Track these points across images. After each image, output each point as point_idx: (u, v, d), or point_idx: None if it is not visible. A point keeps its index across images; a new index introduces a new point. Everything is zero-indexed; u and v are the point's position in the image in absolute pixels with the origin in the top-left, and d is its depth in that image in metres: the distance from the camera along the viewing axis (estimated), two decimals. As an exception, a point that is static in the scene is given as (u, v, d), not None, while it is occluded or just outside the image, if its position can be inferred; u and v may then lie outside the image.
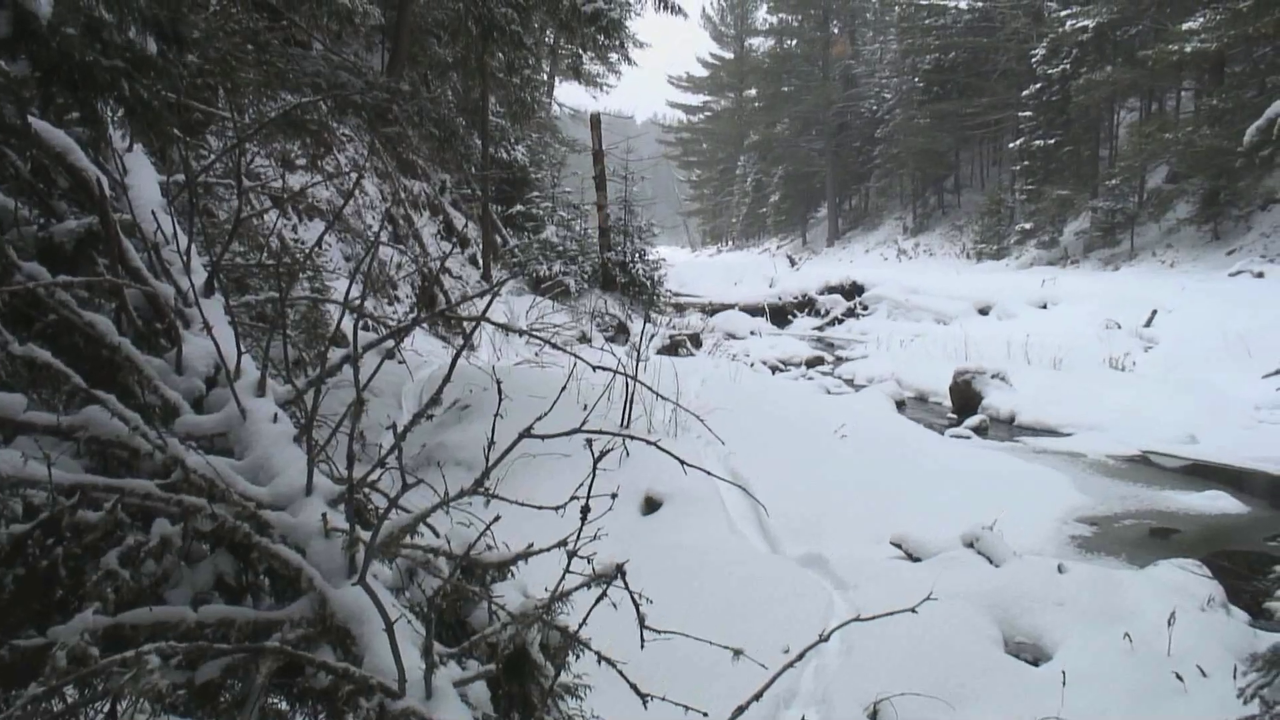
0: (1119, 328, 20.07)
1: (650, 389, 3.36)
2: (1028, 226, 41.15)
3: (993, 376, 14.51)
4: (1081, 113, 40.36)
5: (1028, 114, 42.64)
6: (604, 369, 3.09)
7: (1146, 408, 12.90)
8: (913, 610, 2.73)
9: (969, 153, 57.70)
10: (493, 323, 2.76)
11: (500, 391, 2.37)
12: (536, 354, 13.03)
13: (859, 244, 61.03)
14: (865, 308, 28.85)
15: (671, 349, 18.65)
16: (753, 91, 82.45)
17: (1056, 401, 13.57)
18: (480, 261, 19.90)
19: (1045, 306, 24.69)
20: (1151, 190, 35.65)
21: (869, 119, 63.12)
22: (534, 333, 3.38)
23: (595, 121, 25.06)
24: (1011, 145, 45.23)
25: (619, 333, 20.33)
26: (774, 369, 19.11)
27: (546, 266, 22.19)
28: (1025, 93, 42.99)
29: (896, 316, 27.07)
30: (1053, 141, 41.25)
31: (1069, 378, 15.01)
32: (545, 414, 2.45)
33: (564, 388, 2.69)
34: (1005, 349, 17.79)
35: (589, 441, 2.34)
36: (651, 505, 7.21)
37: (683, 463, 2.70)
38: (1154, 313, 20.41)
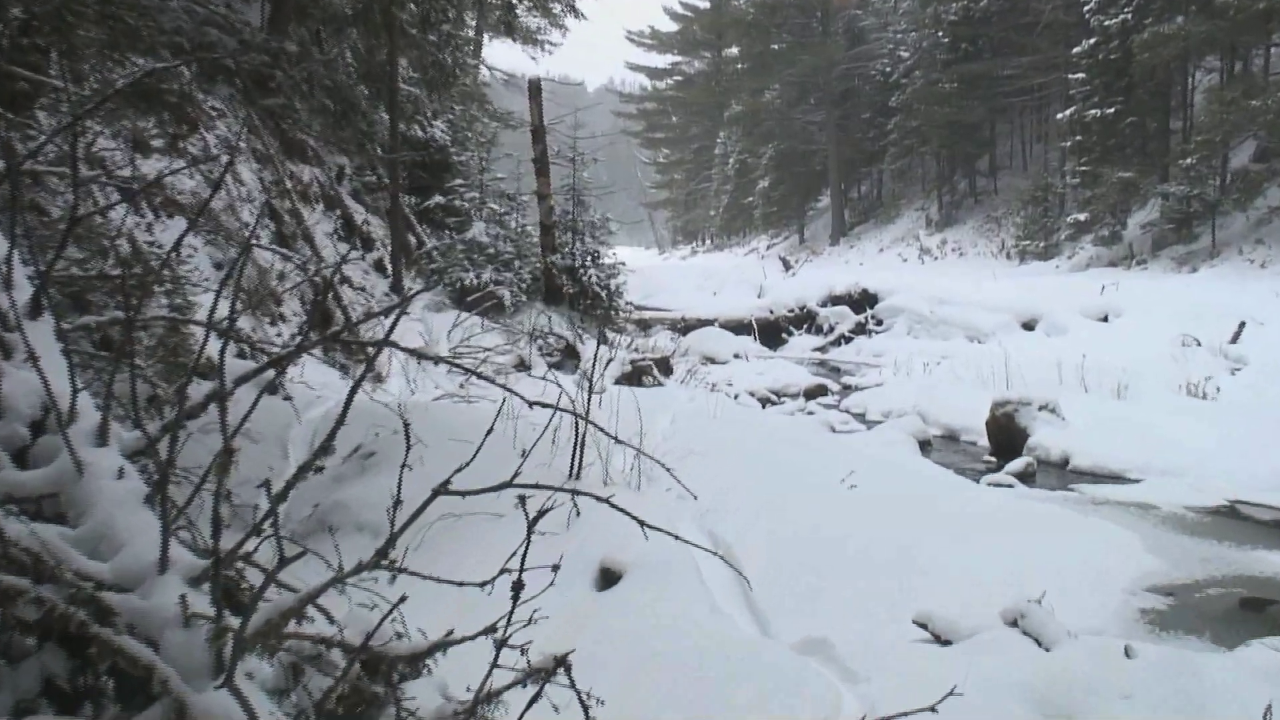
0: (1198, 345, 20.28)
1: (604, 431, 3.37)
2: (1082, 218, 41.57)
3: (1041, 408, 14.61)
4: (1147, 75, 40.42)
5: (1080, 77, 42.90)
6: (544, 406, 3.10)
7: (1234, 446, 13.00)
8: (931, 709, 2.73)
9: (1007, 126, 58.40)
10: (402, 348, 2.76)
11: (408, 435, 2.36)
12: (461, 385, 13.00)
13: (870, 241, 61.54)
14: (879, 322, 29.05)
15: (634, 377, 18.65)
16: (734, 50, 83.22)
17: (1121, 439, 13.65)
18: (389, 268, 19.87)
19: (1105, 319, 24.92)
20: (1236, 171, 36.10)
21: (881, 84, 63.68)
22: (457, 360, 3.37)
23: (535, 89, 25.15)
24: (1060, 116, 45.52)
25: (567, 357, 20.34)
26: (764, 401, 19.17)
27: (474, 274, 22.19)
28: (1076, 50, 43.23)
29: (918, 333, 27.25)
30: (1112, 111, 41.50)
31: (1136, 409, 15.13)
32: (467, 464, 2.44)
33: (490, 430, 2.69)
34: (1056, 373, 17.91)
35: (522, 499, 2.34)
36: (609, 578, 7.19)
37: (643, 525, 2.70)
38: (1242, 326, 20.65)
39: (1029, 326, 25.49)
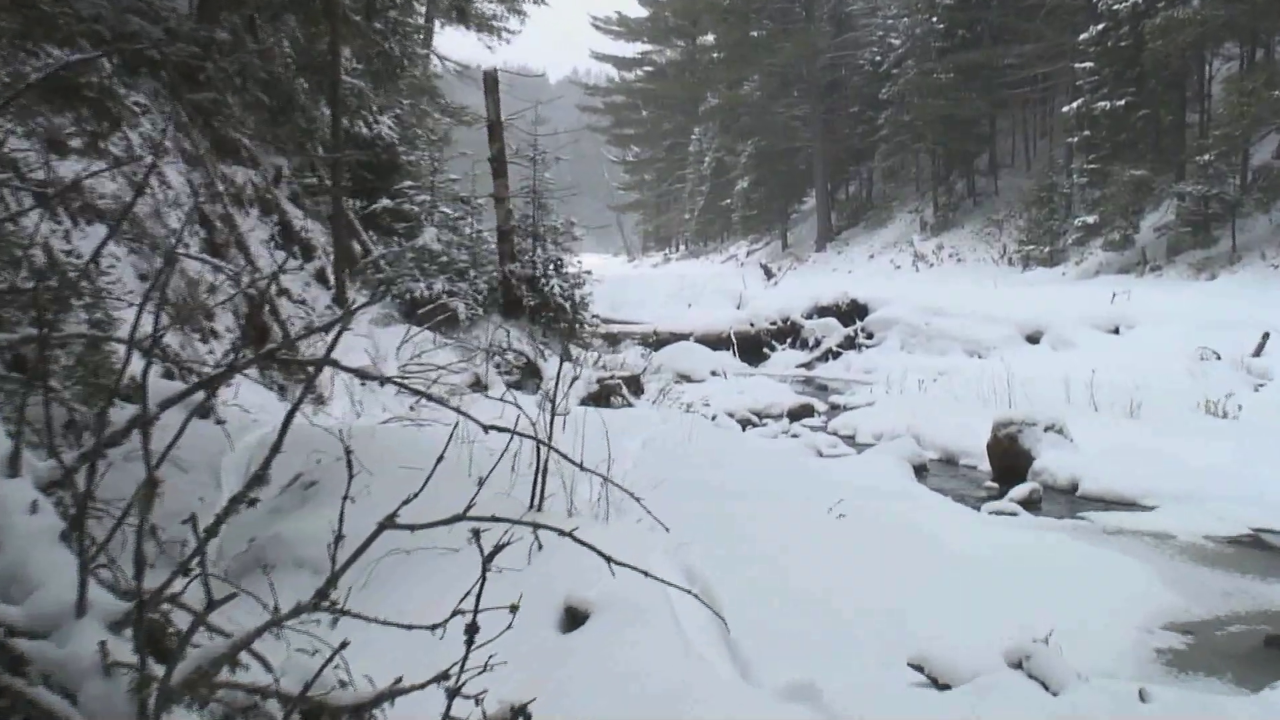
0: (1217, 359, 20.42)
1: (568, 458, 3.38)
2: (1090, 220, 41.80)
3: (1046, 429, 14.67)
4: (1160, 64, 40.42)
5: (1087, 66, 43.24)
6: (502, 430, 3.10)
7: (1258, 469, 13.07)
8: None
9: (1008, 120, 58.73)
10: (346, 367, 2.76)
11: (351, 463, 2.36)
12: (411, 408, 12.99)
13: (860, 247, 61.82)
14: (870, 336, 29.20)
15: (601, 397, 18.67)
16: (710, 38, 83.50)
17: (1134, 462, 13.71)
18: (331, 279, 19.81)
19: (1117, 331, 25.10)
20: (1259, 169, 36.35)
21: (870, 75, 63.99)
22: (406, 381, 3.38)
23: (491, 81, 25.13)
24: (1066, 109, 45.91)
25: (527, 376, 20.33)
26: (745, 423, 19.19)
27: (425, 285, 22.16)
28: (1083, 37, 43.56)
29: (913, 347, 27.39)
30: (1122, 104, 41.78)
31: (1151, 429, 15.21)
32: (416, 494, 2.44)
33: (441, 457, 2.69)
34: (1063, 390, 18.02)
35: (476, 533, 2.34)
36: (574, 618, 7.18)
37: (609, 560, 2.71)
38: (1265, 337, 20.79)
39: (1033, 340, 25.65)
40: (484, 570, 2.35)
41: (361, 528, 2.44)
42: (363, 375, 3.23)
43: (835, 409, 20.88)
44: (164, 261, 12.93)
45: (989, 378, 19.49)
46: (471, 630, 2.32)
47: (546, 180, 26.19)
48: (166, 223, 14.54)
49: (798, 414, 20.18)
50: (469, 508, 2.53)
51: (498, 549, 2.36)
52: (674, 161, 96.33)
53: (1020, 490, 13.26)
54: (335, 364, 2.69)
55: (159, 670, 2.18)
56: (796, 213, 77.60)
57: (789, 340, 30.46)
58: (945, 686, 6.70)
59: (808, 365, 28.28)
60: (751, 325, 30.68)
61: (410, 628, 2.56)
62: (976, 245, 51.10)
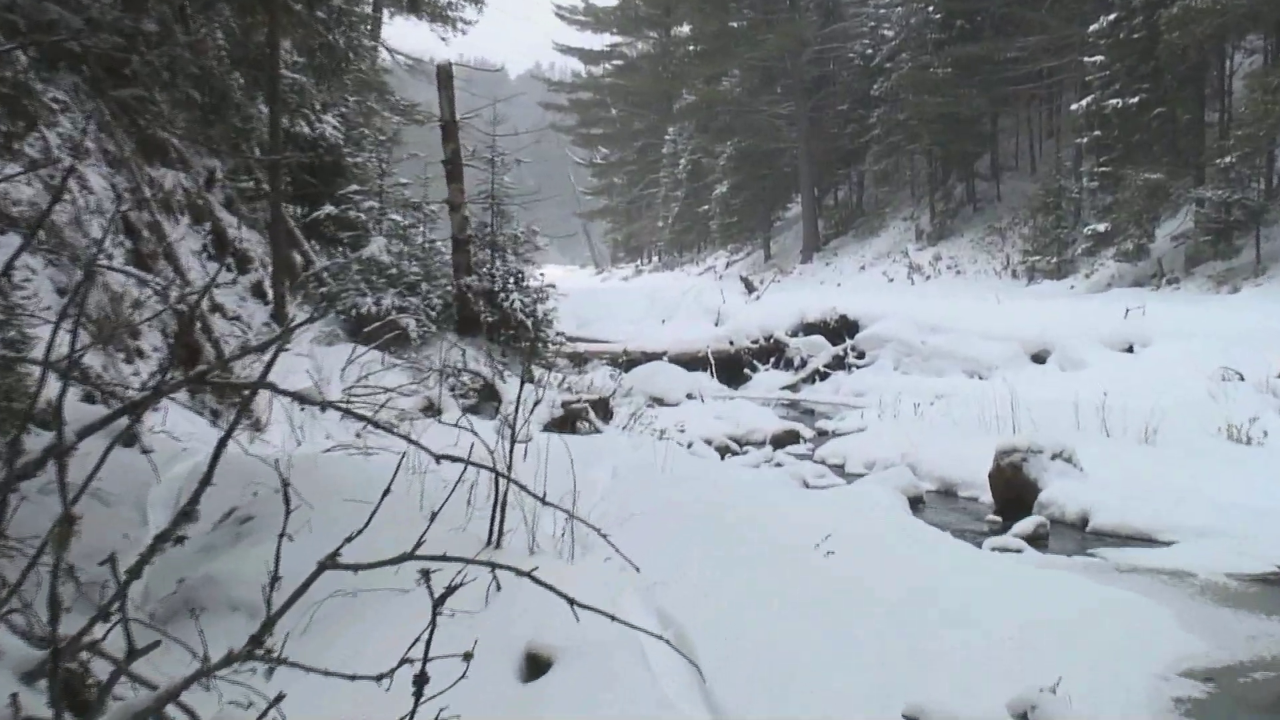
0: (1240, 379, 20.50)
1: (528, 491, 3.38)
2: (1101, 229, 41.96)
3: (1054, 457, 14.72)
4: (1177, 57, 40.42)
5: (1098, 60, 43.36)
6: (456, 460, 3.10)
7: (1284, 500, 13.13)
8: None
9: (1012, 119, 59.07)
10: (284, 391, 2.76)
11: (290, 497, 2.36)
12: (357, 435, 12.95)
13: (850, 258, 62.04)
14: (861, 355, 29.29)
15: (566, 423, 18.66)
16: (685, 29, 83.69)
17: (1149, 493, 13.74)
18: (269, 293, 19.77)
19: (1130, 349, 25.17)
20: (1284, 172, 36.53)
21: (861, 69, 64.33)
22: (350, 406, 3.38)
23: (445, 76, 25.12)
24: (1075, 107, 46.06)
25: (485, 399, 20.32)
26: (724, 451, 19.24)
27: (372, 299, 22.12)
28: (1093, 28, 43.72)
29: (908, 367, 27.50)
30: (1135, 101, 41.86)
31: (1167, 456, 15.27)
32: (361, 530, 2.44)
33: (388, 490, 2.69)
34: (1072, 414, 18.05)
35: (426, 574, 2.34)
36: (536, 666, 7.16)
37: (573, 603, 2.71)
38: (1291, 356, 20.88)
39: (1039, 359, 25.74)
40: (435, 614, 2.35)
41: (301, 567, 2.43)
42: (303, 399, 3.24)
43: (823, 435, 20.95)
44: (84, 274, 12.88)
45: (991, 400, 19.46)
46: (421, 680, 2.32)
47: (506, 185, 26.16)
48: (87, 231, 14.49)
49: (782, 441, 20.23)
50: (419, 545, 2.53)
51: (450, 590, 2.36)
52: (646, 164, 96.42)
53: (1025, 524, 13.28)
54: (273, 387, 2.69)
55: (77, 725, 2.18)
56: (780, 220, 77.77)
57: (772, 360, 30.53)
58: (944, 740, 6.71)
59: (793, 387, 28.33)
60: (731, 344, 30.74)
61: (354, 678, 2.55)
62: (977, 255, 51.31)
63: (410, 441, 3.16)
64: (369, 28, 32.71)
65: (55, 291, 12.42)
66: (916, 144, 58.23)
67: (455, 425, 7.43)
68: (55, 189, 13.30)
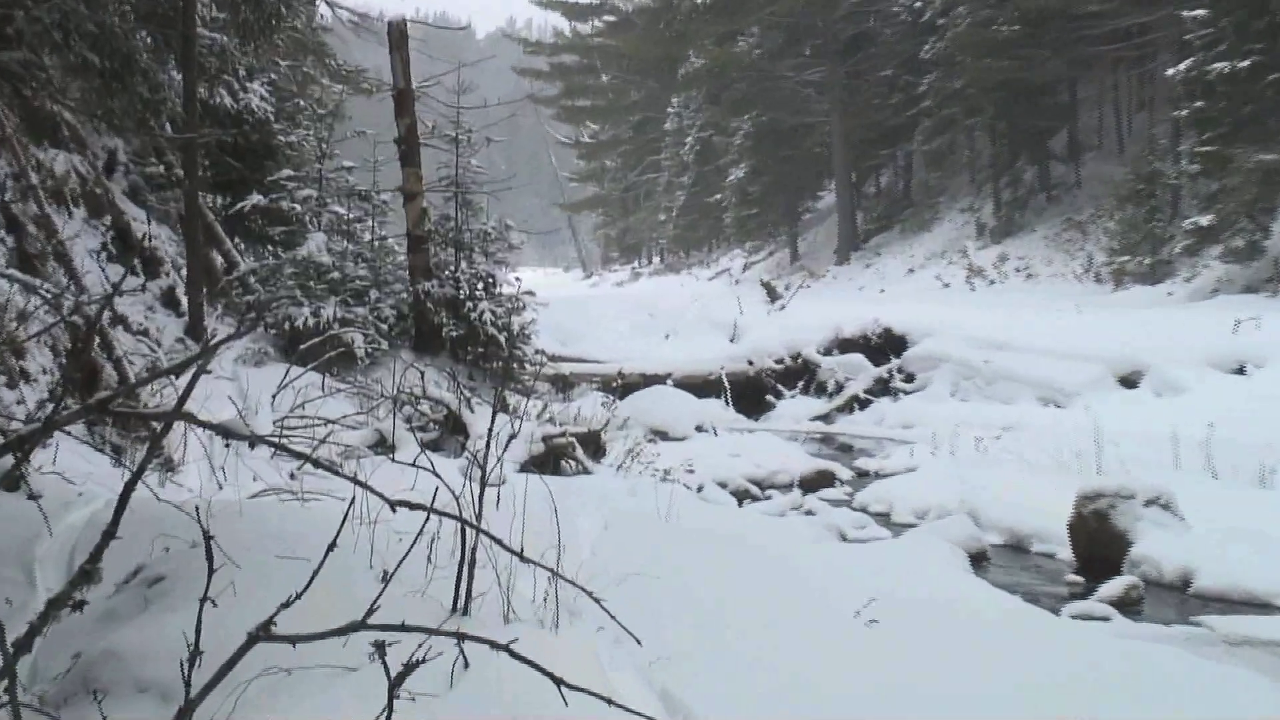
0: (1379, 408, 20.47)
1: (503, 545, 3.37)
2: (1205, 223, 41.68)
3: (1148, 503, 14.65)
4: (1297, 12, 40.35)
5: (1199, 14, 42.90)
6: (415, 507, 3.10)
7: None
8: None
9: (1094, 88, 58.95)
10: (204, 422, 2.75)
11: (210, 552, 2.35)
12: (293, 476, 12.93)
13: (896, 258, 61.93)
14: (910, 378, 29.25)
15: (548, 462, 18.66)
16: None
17: (1266, 548, 13.68)
18: (184, 302, 19.78)
19: (1241, 370, 25.07)
20: None
21: (908, 26, 63.91)
22: (284, 441, 3.38)
23: (398, 36, 25.11)
24: (1171, 73, 45.55)
25: (448, 433, 20.27)
26: (742, 495, 19.22)
27: (311, 310, 22.09)
28: (1193, -23, 43.65)
29: (968, 393, 27.45)
30: (1247, 65, 41.25)
31: (1288, 502, 15.23)
32: (300, 594, 2.43)
33: (332, 544, 2.68)
34: (1170, 451, 18.03)
35: (380, 646, 2.32)
36: (514, 763, 7.16)
37: (560, 683, 2.70)
38: None
39: (1129, 382, 25.68)
40: (391, 697, 2.35)
41: (226, 639, 2.43)
42: (227, 433, 3.25)
43: (863, 476, 20.92)
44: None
45: (1070, 434, 19.51)
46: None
47: (474, 169, 26.19)
48: (-41, 227, 14.52)
49: (813, 483, 20.18)
50: (371, 612, 2.52)
51: (410, 668, 2.35)
52: (644, 144, 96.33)
53: (1114, 586, 13.25)
54: (190, 418, 2.69)
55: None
56: (810, 212, 77.68)
57: (800, 384, 30.54)
58: None
59: (826, 417, 28.34)
60: (750, 364, 30.75)
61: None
62: (1052, 255, 51.12)
63: (358, 484, 3.16)
64: (306, -22, 32.76)
65: (-80, 301, 12.43)
66: (977, 118, 57.74)
67: (413, 464, 7.40)
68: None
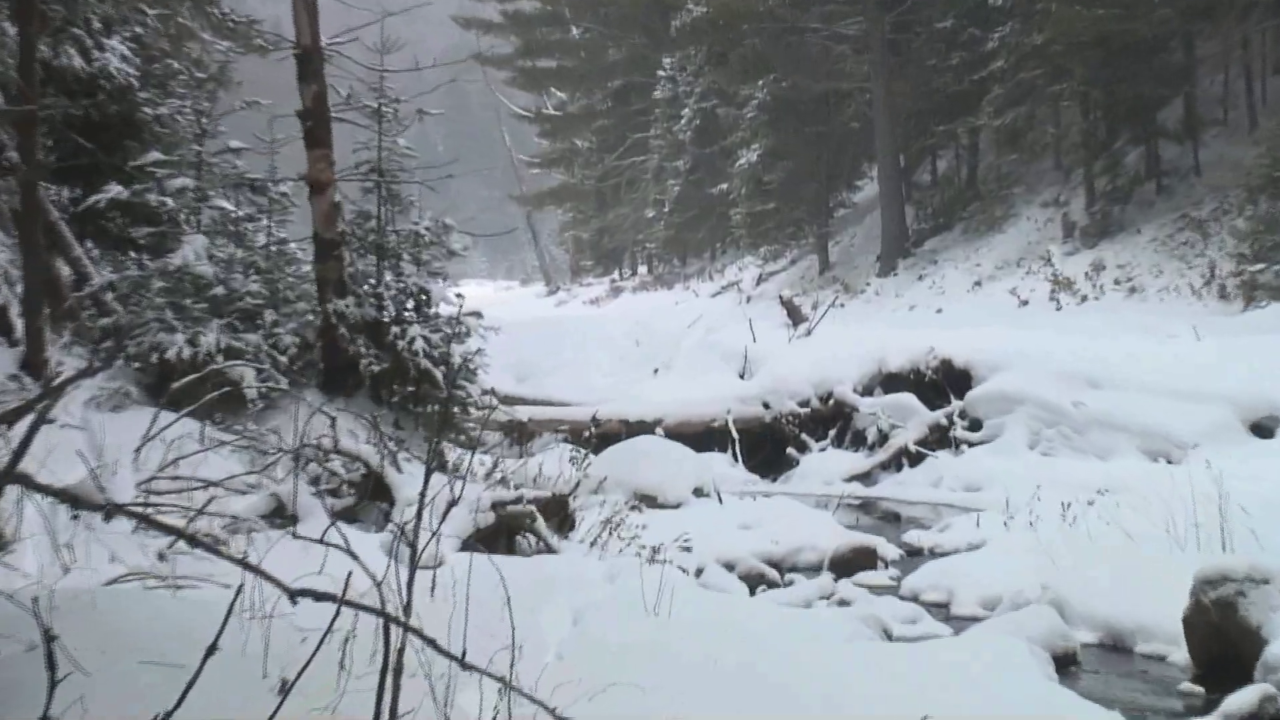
0: None
1: (439, 648, 3.41)
2: (1360, 225, 41.90)
3: (1288, 589, 14.69)
4: None
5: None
6: (322, 598, 3.13)
7: None
8: None
9: (1217, 44, 58.95)
10: (42, 487, 2.77)
11: (53, 657, 2.37)
12: (162, 556, 12.94)
13: (957, 267, 61.78)
14: (976, 425, 29.21)
15: (500, 535, 18.66)
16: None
17: None
18: (19, 326, 19.79)
19: None
20: None
21: (970, -33, 64.04)
22: (150, 511, 3.41)
23: (300, -22, 25.18)
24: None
25: (370, 497, 20.22)
26: (754, 581, 19.23)
27: (186, 337, 22.06)
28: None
29: (1052, 445, 27.43)
30: None
31: None
32: (169, 714, 2.45)
33: (214, 647, 2.71)
34: (1319, 520, 18.06)
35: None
36: None
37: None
38: None
39: (1264, 430, 25.71)
40: None
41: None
42: (75, 500, 3.28)
43: (915, 555, 20.96)
44: None
45: (1186, 498, 19.49)
46: None
47: (402, 152, 26.06)
48: None
49: (849, 564, 20.18)
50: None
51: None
52: (627, 118, 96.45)
53: (1244, 699, 13.19)
54: (26, 481, 2.73)
55: None
56: (845, 208, 77.54)
57: (832, 433, 30.57)
58: None
59: (866, 477, 28.36)
60: (766, 407, 30.82)
61: None
62: (1162, 263, 50.90)
63: (248, 568, 3.21)
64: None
65: None
66: (1063, 84, 57.90)
67: (320, 541, 7.42)
68: None
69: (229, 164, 27.04)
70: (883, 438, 29.55)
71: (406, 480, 20.30)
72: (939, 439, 29.09)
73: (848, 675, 11.17)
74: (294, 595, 3.01)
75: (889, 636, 15.56)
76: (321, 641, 4.98)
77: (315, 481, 19.71)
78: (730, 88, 75.58)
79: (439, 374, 24.55)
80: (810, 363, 32.60)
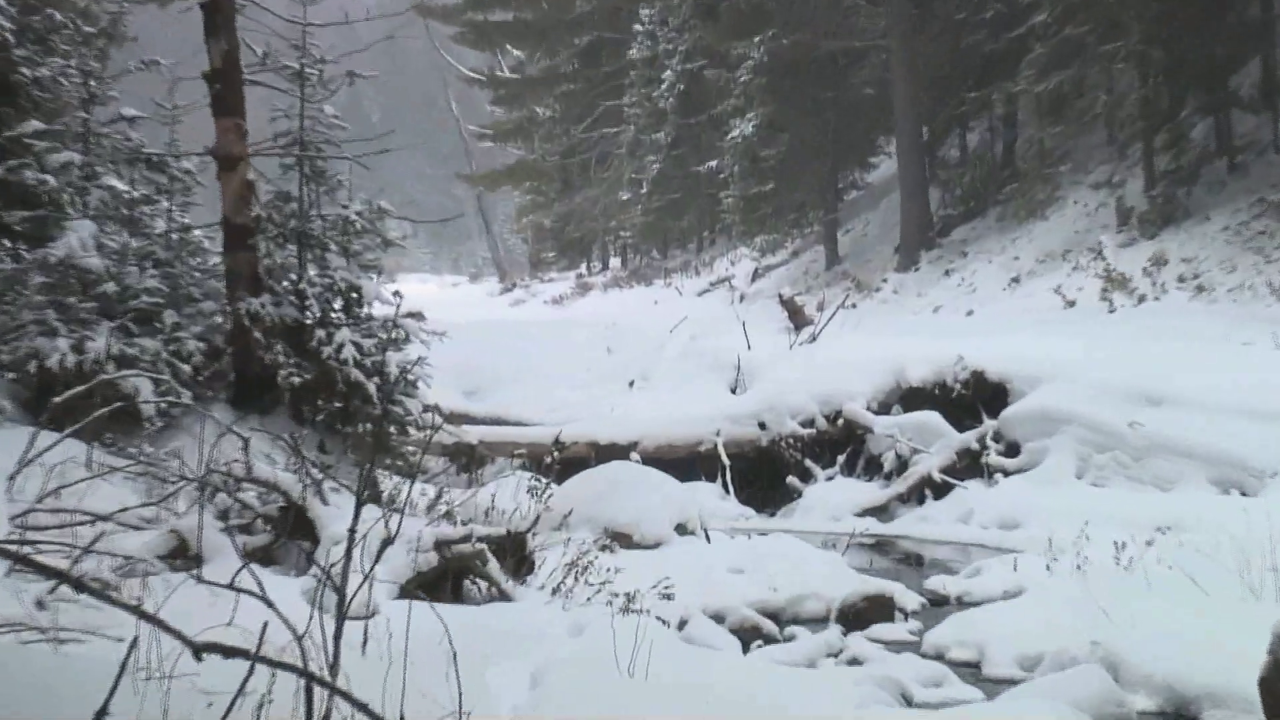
0: None
1: (369, 714, 3.39)
2: None
3: (1385, 647, 14.71)
4: None
5: None
6: (233, 654, 3.11)
7: None
8: None
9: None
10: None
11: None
12: (41, 604, 12.94)
13: (991, 261, 61.69)
14: (1013, 450, 29.18)
15: (445, 580, 18.64)
16: None
17: None
18: None
19: None
20: None
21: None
22: (26, 550, 3.40)
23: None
24: None
25: (290, 535, 20.21)
26: (748, 635, 19.23)
27: (71, 342, 22.05)
28: None
29: (1103, 472, 27.41)
30: None
31: None
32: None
33: (104, 710, 2.69)
34: None
35: None
36: None
37: None
38: None
39: (1356, 458, 25.73)
40: None
41: None
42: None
43: (939, 604, 20.97)
44: None
45: (1263, 538, 19.50)
46: None
47: (329, 121, 25.99)
48: None
49: (861, 616, 20.20)
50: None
51: None
52: (598, 81, 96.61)
53: (1331, 776, 13.29)
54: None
55: None
56: (858, 190, 77.64)
57: (842, 458, 30.56)
58: None
59: (881, 510, 28.41)
60: (763, 427, 30.86)
61: None
62: (1236, 257, 50.58)
63: (144, 617, 3.19)
64: None
65: None
66: (1118, 42, 57.78)
67: (230, 587, 7.40)
68: None
69: (122, 135, 26.94)
70: (902, 464, 29.56)
71: (333, 514, 20.23)
72: (969, 466, 29.09)
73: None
74: (199, 650, 2.99)
75: (909, 702, 15.57)
76: (231, 706, 4.95)
77: (224, 515, 19.67)
78: (721, 45, 75.59)
79: (372, 387, 24.47)
80: (815, 374, 32.58)
